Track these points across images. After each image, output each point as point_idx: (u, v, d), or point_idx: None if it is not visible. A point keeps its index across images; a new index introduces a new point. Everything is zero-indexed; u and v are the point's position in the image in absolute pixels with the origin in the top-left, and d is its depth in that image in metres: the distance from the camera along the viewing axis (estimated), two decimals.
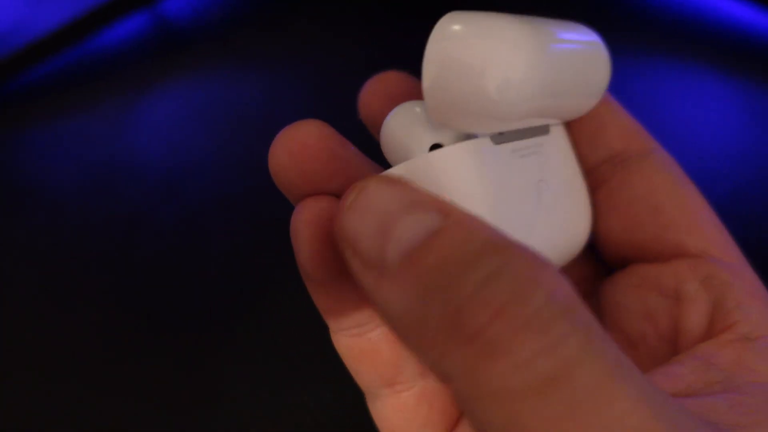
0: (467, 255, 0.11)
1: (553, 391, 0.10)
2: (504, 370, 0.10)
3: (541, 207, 0.15)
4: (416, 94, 0.16)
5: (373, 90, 0.17)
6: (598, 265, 0.20)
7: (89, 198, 0.38)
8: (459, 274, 0.10)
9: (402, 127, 0.15)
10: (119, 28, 0.47)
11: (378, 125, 0.16)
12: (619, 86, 0.41)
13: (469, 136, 0.15)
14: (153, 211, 0.37)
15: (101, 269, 0.35)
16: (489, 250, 0.11)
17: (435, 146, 0.15)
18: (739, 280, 0.16)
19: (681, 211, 0.17)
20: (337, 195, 0.15)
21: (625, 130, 0.19)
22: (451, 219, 0.11)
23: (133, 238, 0.36)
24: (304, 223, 0.14)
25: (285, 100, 0.42)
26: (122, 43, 0.47)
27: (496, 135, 0.15)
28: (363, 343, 0.16)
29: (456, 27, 0.14)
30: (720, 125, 0.39)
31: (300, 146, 0.14)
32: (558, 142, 0.17)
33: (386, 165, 0.16)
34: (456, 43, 0.13)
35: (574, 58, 0.16)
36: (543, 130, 0.17)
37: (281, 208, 0.17)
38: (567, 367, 0.10)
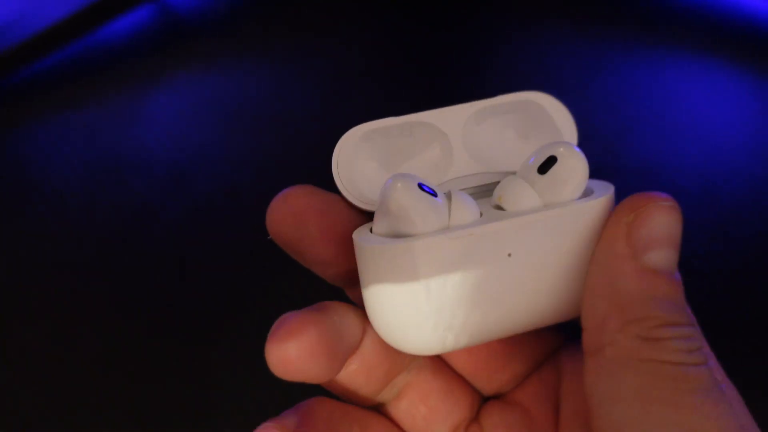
0: (680, 305, 0.15)
1: (683, 381, 0.14)
2: (658, 358, 0.15)
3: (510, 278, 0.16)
4: (326, 212, 0.18)
5: (283, 213, 0.18)
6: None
7: (95, 190, 0.38)
8: (664, 307, 0.15)
9: (413, 200, 0.16)
10: (125, 19, 0.47)
11: (287, 243, 0.18)
12: (634, 82, 0.41)
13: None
14: (159, 204, 0.37)
15: (107, 261, 0.35)
16: (687, 310, 0.16)
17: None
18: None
19: None
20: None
21: None
22: (679, 273, 0.16)
23: (139, 231, 0.36)
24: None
25: (291, 92, 0.42)
26: (128, 35, 0.47)
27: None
28: None
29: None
30: (735, 120, 0.38)
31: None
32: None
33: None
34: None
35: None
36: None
37: None
38: (696, 371, 0.14)
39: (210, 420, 0.30)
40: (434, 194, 0.16)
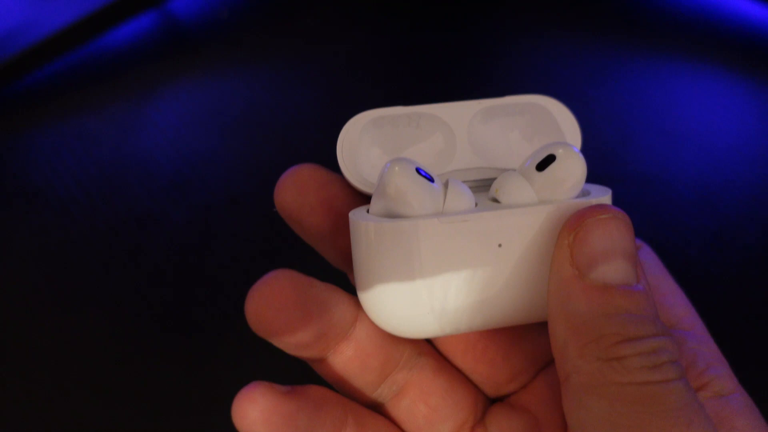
0: (641, 316, 0.14)
1: (649, 403, 0.14)
2: (621, 380, 0.14)
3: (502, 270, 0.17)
4: (326, 185, 0.19)
5: (287, 184, 0.19)
6: None
7: (97, 198, 0.38)
8: (619, 321, 0.14)
9: (413, 184, 0.16)
10: (127, 27, 0.47)
11: (288, 212, 0.19)
12: (633, 90, 0.41)
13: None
14: (161, 212, 0.37)
15: (109, 269, 0.35)
16: (653, 322, 0.15)
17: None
18: (705, 347, 0.18)
19: (656, 294, 0.19)
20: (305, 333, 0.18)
21: None
22: (641, 284, 0.15)
23: (141, 238, 0.36)
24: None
25: (293, 100, 0.42)
26: (130, 43, 0.47)
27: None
28: None
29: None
30: (734, 128, 0.38)
31: (274, 299, 0.17)
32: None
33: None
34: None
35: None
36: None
37: None
38: (664, 390, 0.14)
39: (214, 416, 0.30)
40: (431, 179, 0.16)
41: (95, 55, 0.47)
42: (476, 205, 0.17)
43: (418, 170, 0.16)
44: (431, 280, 0.16)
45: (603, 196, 0.17)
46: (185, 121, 0.42)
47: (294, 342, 0.17)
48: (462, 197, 0.17)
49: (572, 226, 0.15)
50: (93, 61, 0.46)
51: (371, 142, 0.19)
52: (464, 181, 0.19)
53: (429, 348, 0.20)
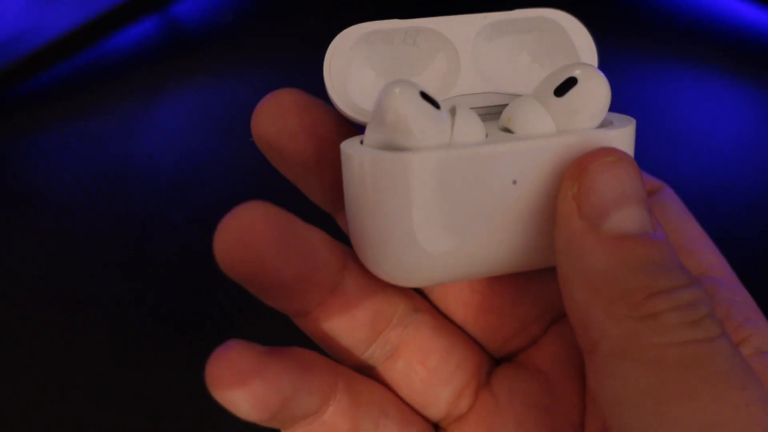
0: (666, 265, 0.13)
1: (696, 366, 0.12)
2: (660, 341, 0.12)
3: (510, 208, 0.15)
4: (310, 109, 0.16)
5: (265, 109, 0.17)
6: None
7: (100, 201, 0.39)
8: (646, 272, 0.12)
9: (414, 109, 0.14)
10: (130, 31, 0.48)
11: (272, 146, 0.16)
12: (633, 93, 0.41)
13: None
14: (164, 215, 0.37)
15: (112, 272, 0.36)
16: (681, 272, 0.13)
17: None
18: (740, 296, 0.17)
19: (679, 237, 0.18)
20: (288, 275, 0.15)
21: None
22: (658, 233, 0.13)
23: (144, 241, 0.36)
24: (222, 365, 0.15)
25: None
26: (133, 47, 0.47)
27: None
28: (319, 428, 0.16)
29: None
30: (735, 131, 0.39)
31: (247, 231, 0.14)
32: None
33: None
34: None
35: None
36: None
37: (293, 212, 0.17)
38: (710, 349, 0.12)
39: (215, 417, 0.30)
40: (437, 106, 0.14)
41: (98, 58, 0.47)
42: (486, 136, 0.15)
43: (422, 94, 0.14)
44: (437, 220, 0.14)
45: (626, 126, 0.15)
46: (188, 124, 0.42)
47: (272, 284, 0.15)
48: (472, 126, 0.15)
49: (575, 174, 0.13)
50: (96, 64, 0.47)
51: (363, 63, 0.17)
52: (475, 108, 0.17)
53: (425, 304, 0.18)
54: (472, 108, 0.16)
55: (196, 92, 0.44)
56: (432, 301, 0.18)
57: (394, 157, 0.14)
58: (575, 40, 0.17)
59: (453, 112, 0.15)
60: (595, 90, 0.14)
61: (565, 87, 0.14)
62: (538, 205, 0.14)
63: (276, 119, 0.16)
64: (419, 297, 0.18)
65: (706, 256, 0.18)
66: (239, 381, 0.14)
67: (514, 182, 0.14)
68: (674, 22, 0.44)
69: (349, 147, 0.15)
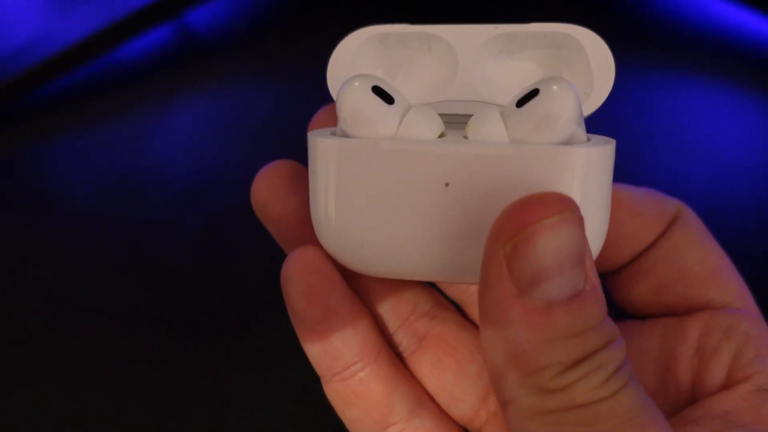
0: (585, 332, 0.12)
1: (596, 422, 0.12)
2: (565, 406, 0.12)
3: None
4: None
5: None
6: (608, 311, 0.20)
7: (114, 207, 0.39)
8: (564, 347, 0.12)
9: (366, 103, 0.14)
10: (144, 38, 0.48)
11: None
12: (642, 103, 0.41)
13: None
14: (177, 220, 0.38)
15: (125, 277, 0.36)
16: (599, 331, 0.13)
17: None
18: (758, 329, 0.17)
19: (703, 267, 0.18)
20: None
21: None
22: (588, 283, 0.13)
23: (157, 246, 0.37)
24: (298, 269, 0.16)
25: (308, 110, 0.43)
26: (147, 54, 0.48)
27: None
28: (354, 385, 0.17)
29: None
30: (743, 142, 0.39)
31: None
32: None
33: None
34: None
35: None
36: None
37: None
38: (611, 404, 0.12)
39: (226, 421, 0.30)
40: (390, 101, 0.14)
41: (113, 65, 0.47)
42: (440, 136, 0.15)
43: (375, 88, 0.14)
44: (350, 207, 0.14)
45: (588, 147, 0.13)
46: (202, 130, 0.43)
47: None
48: (421, 124, 0.14)
49: (510, 231, 0.12)
50: (111, 71, 0.47)
51: (370, 65, 0.17)
52: (457, 114, 0.17)
53: (448, 303, 0.19)
54: (458, 114, 0.17)
55: (209, 99, 0.45)
56: (453, 300, 0.19)
57: (312, 140, 0.15)
58: (592, 59, 0.16)
59: (408, 109, 0.15)
60: (554, 103, 0.13)
61: (527, 98, 0.14)
62: (469, 213, 0.14)
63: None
64: (443, 296, 0.19)
65: (729, 286, 0.18)
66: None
67: (447, 185, 0.14)
68: (687, 33, 0.44)
69: (313, 132, 0.16)
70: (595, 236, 0.14)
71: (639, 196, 0.19)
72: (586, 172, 0.13)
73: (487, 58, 0.17)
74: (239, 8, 0.50)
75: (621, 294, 0.20)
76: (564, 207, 0.12)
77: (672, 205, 0.19)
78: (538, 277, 0.12)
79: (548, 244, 0.12)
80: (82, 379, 0.32)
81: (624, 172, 0.39)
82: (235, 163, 0.40)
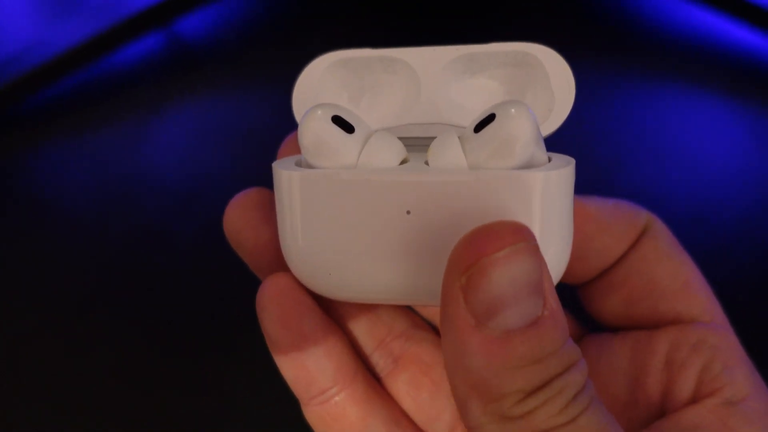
0: (545, 358, 0.13)
1: None
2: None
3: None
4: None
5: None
6: (580, 323, 0.21)
7: (106, 213, 0.39)
8: (524, 374, 0.12)
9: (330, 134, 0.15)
10: (135, 47, 0.48)
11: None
12: (626, 112, 0.41)
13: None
14: (169, 227, 0.38)
15: (118, 283, 0.36)
16: (560, 356, 0.13)
17: None
18: (725, 342, 0.17)
19: (672, 280, 0.18)
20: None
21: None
22: (546, 308, 0.13)
23: (149, 253, 0.37)
24: (271, 296, 0.17)
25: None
26: (138, 62, 0.48)
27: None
28: (331, 409, 0.17)
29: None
30: (726, 151, 0.39)
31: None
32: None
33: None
34: None
35: None
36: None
37: None
38: (571, 428, 0.13)
39: (225, 422, 0.30)
40: (351, 130, 0.15)
41: (104, 73, 0.47)
42: (402, 162, 0.15)
43: (335, 118, 0.14)
44: (314, 235, 0.15)
45: (540, 172, 0.13)
46: (193, 138, 0.43)
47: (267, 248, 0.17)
48: (382, 152, 0.15)
49: (464, 263, 0.12)
50: (101, 79, 0.47)
51: (335, 89, 0.18)
52: (421, 138, 0.17)
53: (424, 323, 0.19)
54: (421, 137, 0.17)
55: (199, 106, 0.45)
56: (428, 320, 0.19)
57: (277, 172, 0.15)
58: (552, 77, 0.16)
59: (370, 135, 0.15)
60: (512, 127, 0.13)
61: (484, 123, 0.14)
62: (431, 239, 0.14)
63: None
64: (418, 317, 0.19)
65: (698, 299, 0.18)
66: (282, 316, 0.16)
67: (408, 212, 0.14)
68: (667, 43, 0.45)
69: (277, 162, 0.16)
70: (557, 258, 0.14)
71: (608, 208, 0.19)
72: (545, 196, 0.13)
73: (450, 79, 0.17)
74: (229, 17, 0.50)
75: (593, 306, 0.20)
76: (517, 238, 0.12)
77: (641, 217, 0.19)
78: (494, 308, 0.12)
79: (502, 276, 0.12)
80: (74, 386, 0.32)
81: (604, 181, 0.39)
82: (226, 170, 0.41)
